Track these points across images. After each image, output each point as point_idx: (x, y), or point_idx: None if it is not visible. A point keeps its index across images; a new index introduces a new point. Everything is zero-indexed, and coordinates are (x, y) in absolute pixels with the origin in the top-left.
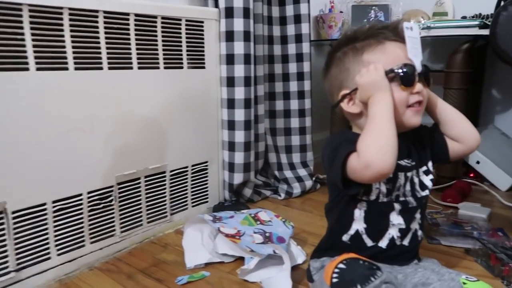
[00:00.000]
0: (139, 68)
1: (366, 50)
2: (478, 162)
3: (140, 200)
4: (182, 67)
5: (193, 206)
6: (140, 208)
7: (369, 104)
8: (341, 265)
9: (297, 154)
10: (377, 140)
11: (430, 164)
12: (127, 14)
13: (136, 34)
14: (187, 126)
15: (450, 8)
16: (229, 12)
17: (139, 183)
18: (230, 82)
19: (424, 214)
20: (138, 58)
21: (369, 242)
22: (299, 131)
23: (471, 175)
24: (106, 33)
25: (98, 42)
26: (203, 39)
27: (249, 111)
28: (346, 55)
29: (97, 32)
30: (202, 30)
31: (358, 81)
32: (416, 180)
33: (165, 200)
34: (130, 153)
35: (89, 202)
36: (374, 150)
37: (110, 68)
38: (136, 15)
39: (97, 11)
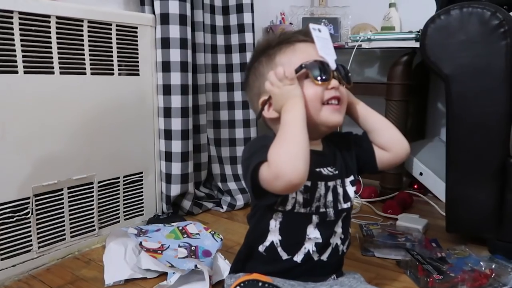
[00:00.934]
0: (61, 73)
1: (278, 53)
2: (421, 174)
3: (62, 213)
4: (112, 74)
5: (126, 219)
6: (63, 221)
7: (282, 112)
8: (242, 285)
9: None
10: (287, 149)
11: (356, 174)
12: (48, 16)
13: (58, 38)
14: (118, 135)
15: (397, 22)
16: (165, 19)
17: (61, 194)
18: (167, 90)
19: (349, 228)
20: (60, 63)
21: (284, 255)
22: (244, 141)
23: (415, 186)
24: (22, 35)
25: (13, 44)
26: (137, 45)
27: (187, 120)
28: (261, 63)
29: (12, 34)
30: (136, 36)
31: (269, 90)
32: (340, 190)
33: (92, 213)
34: (51, 163)
35: None
36: (284, 159)
37: (26, 72)
38: (58, 17)
39: (11, 11)
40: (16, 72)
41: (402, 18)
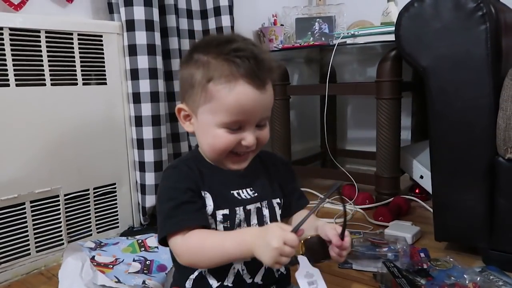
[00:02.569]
0: (17, 85)
1: (216, 78)
2: (421, 177)
3: (26, 227)
4: (76, 84)
5: (99, 232)
6: (27, 236)
7: (249, 245)
8: None
9: None
10: (202, 262)
11: (282, 199)
12: (1, 28)
13: (12, 49)
14: (85, 146)
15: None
16: (131, 25)
17: (23, 209)
18: (136, 98)
19: None
20: (15, 75)
21: (214, 283)
22: None
23: (416, 191)
24: None
25: None
26: (102, 54)
27: (158, 129)
28: (199, 67)
29: None
30: (102, 45)
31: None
32: (265, 212)
33: (60, 227)
34: (9, 176)
35: None
36: (192, 263)
37: None
38: (11, 29)
39: None
40: None
41: None
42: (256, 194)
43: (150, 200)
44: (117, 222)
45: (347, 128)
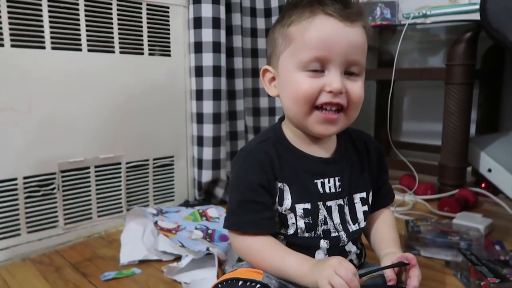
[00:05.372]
0: (89, 50)
1: (295, 20)
2: (489, 170)
3: (89, 191)
4: (142, 53)
5: (156, 203)
6: (90, 200)
7: (309, 274)
8: (219, 286)
9: None
10: (256, 266)
11: (370, 192)
12: None
13: (86, 15)
14: (147, 117)
15: (466, 2)
16: None
17: (88, 172)
18: (199, 72)
19: (360, 240)
20: (88, 40)
21: None
22: None
23: (483, 185)
24: (50, 11)
25: (41, 20)
26: (168, 25)
27: (219, 103)
28: (275, 26)
29: (40, 10)
30: (168, 16)
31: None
32: (346, 210)
33: (120, 194)
34: (77, 140)
35: (25, 188)
36: (247, 261)
37: (53, 48)
38: None
39: None
40: (44, 47)
41: None
42: (341, 188)
43: (207, 175)
44: (173, 195)
45: (403, 120)
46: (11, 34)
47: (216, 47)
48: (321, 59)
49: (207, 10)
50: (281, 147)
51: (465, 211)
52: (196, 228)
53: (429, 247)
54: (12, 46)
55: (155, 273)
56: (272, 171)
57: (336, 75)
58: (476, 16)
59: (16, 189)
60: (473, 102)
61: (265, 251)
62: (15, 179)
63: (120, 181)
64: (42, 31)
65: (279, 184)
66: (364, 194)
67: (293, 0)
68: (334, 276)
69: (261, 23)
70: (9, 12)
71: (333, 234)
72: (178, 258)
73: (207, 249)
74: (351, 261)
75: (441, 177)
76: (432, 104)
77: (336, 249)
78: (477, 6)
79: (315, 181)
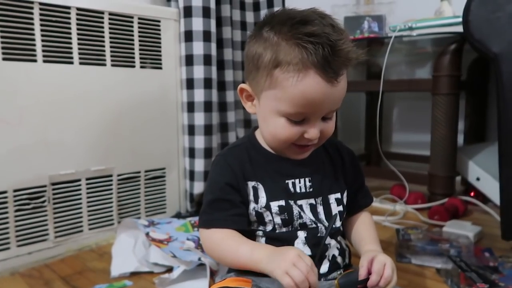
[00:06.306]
0: (81, 63)
1: (284, 64)
2: (478, 179)
3: (80, 204)
4: (133, 66)
5: (148, 216)
6: (81, 212)
7: (263, 262)
8: None
9: None
10: (219, 260)
11: (344, 193)
12: (68, 7)
13: (78, 28)
14: (139, 129)
15: (451, 15)
16: (188, 11)
17: (79, 185)
18: (190, 84)
19: (341, 237)
20: (79, 53)
21: None
22: None
23: (472, 194)
24: (42, 25)
25: (33, 34)
26: (160, 39)
27: (210, 115)
28: (267, 47)
29: (32, 24)
30: (159, 30)
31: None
32: (320, 209)
33: (111, 206)
34: (68, 152)
35: (15, 201)
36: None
37: (45, 61)
38: (78, 9)
39: (32, 2)
40: (35, 60)
41: (457, 11)
42: (312, 189)
43: (198, 187)
44: (165, 207)
45: (393, 130)
46: (2, 48)
47: (207, 60)
48: (304, 114)
49: (197, 24)
50: (253, 150)
51: (454, 219)
52: (187, 239)
53: (420, 255)
54: (4, 59)
55: (146, 285)
56: (242, 172)
57: (316, 125)
58: (460, 29)
59: (6, 202)
60: (461, 113)
61: (222, 243)
62: (5, 192)
63: (111, 194)
64: (34, 44)
65: (253, 183)
66: (338, 195)
67: (274, 20)
68: (293, 268)
69: None
70: (1, 26)
71: (310, 226)
72: (169, 269)
73: (199, 259)
74: (333, 256)
75: (431, 187)
76: (421, 114)
77: (314, 238)
78: (461, 19)
79: (286, 181)
